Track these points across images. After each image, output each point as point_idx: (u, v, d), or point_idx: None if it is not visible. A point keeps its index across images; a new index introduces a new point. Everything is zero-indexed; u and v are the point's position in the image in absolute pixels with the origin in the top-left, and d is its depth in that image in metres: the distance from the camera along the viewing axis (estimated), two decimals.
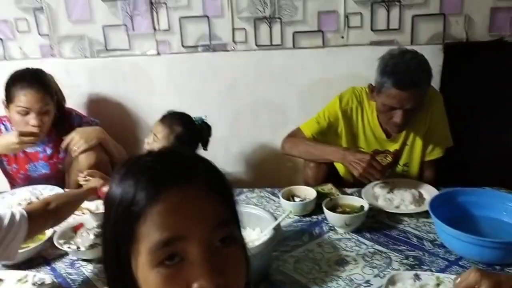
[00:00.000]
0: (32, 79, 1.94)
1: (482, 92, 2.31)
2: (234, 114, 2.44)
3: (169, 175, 0.64)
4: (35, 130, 1.92)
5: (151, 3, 2.27)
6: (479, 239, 1.33)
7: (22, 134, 1.89)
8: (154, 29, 2.32)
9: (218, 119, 2.42)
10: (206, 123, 1.99)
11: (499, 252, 1.32)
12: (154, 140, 1.90)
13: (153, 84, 2.42)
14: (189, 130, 1.91)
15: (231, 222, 0.68)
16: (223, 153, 2.43)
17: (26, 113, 1.92)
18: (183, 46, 2.32)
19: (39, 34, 2.39)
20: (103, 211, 0.69)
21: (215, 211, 0.65)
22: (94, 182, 1.63)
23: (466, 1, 2.11)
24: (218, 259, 0.63)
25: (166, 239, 0.62)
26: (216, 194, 0.66)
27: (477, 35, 2.15)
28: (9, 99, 1.94)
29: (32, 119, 1.92)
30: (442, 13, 2.14)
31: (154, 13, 2.29)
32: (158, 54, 2.36)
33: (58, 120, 2.07)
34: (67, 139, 2.01)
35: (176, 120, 1.91)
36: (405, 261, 1.42)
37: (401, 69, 1.70)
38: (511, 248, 1.29)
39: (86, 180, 1.67)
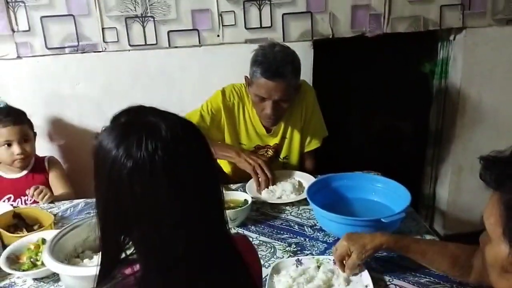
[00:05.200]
0: None
1: (349, 84, 2.49)
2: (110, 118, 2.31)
3: None
4: None
5: (7, 1, 2.06)
6: (350, 219, 1.42)
7: None
8: (13, 30, 2.10)
9: (93, 124, 2.29)
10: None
11: (370, 230, 1.40)
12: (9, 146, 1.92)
13: (16, 91, 2.19)
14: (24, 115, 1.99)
15: None
16: None
17: None
18: (47, 48, 2.14)
19: None
20: None
21: None
22: None
23: None
24: None
25: None
26: None
27: (342, 31, 2.31)
28: None
29: None
30: (309, 11, 2.25)
31: (11, 13, 2.08)
32: (19, 57, 2.15)
33: None
34: None
35: (12, 118, 1.92)
36: (288, 248, 1.46)
37: (269, 60, 1.76)
38: (380, 225, 1.39)
39: None
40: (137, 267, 0.78)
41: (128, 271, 0.78)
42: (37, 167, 2.02)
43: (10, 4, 2.06)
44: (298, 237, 1.52)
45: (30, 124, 2.00)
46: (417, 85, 2.66)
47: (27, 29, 2.11)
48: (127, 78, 2.26)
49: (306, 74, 2.22)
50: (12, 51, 2.13)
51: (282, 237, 1.52)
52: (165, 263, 0.75)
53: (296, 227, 1.58)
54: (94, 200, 1.71)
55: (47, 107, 2.23)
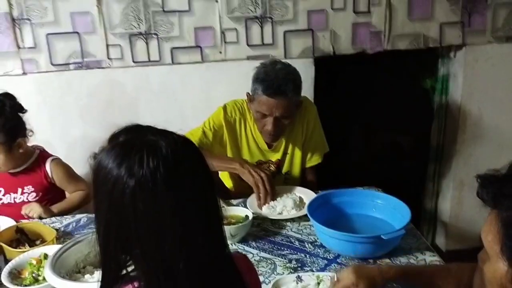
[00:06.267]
0: None
1: (350, 100, 2.51)
2: (108, 137, 2.33)
3: None
4: None
5: (13, 19, 2.10)
6: (351, 235, 1.42)
7: None
8: (18, 47, 2.14)
9: (97, 140, 2.31)
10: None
11: (370, 246, 1.42)
12: None
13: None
14: (0, 115, 1.76)
15: None
16: None
17: None
18: (52, 64, 2.18)
19: None
20: None
21: None
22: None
23: (330, 17, 2.28)
24: None
25: None
26: None
27: (342, 48, 2.34)
28: None
29: None
30: (310, 28, 2.29)
31: (17, 30, 2.12)
32: (24, 73, 2.18)
33: None
34: None
35: None
36: (288, 264, 1.46)
37: (271, 77, 1.79)
38: (380, 242, 1.40)
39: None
40: (136, 284, 0.79)
41: (128, 287, 0.79)
42: (37, 165, 1.91)
43: (16, 21, 2.11)
44: (298, 253, 1.52)
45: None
46: (418, 101, 2.68)
47: (33, 46, 2.15)
48: (130, 94, 2.29)
49: (308, 90, 2.24)
50: (17, 67, 2.17)
51: (283, 253, 1.53)
52: (166, 280, 0.76)
53: (297, 243, 1.58)
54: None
55: (52, 122, 2.25)
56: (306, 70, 2.27)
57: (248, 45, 2.27)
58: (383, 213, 1.63)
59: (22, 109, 1.84)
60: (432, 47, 2.43)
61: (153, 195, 0.74)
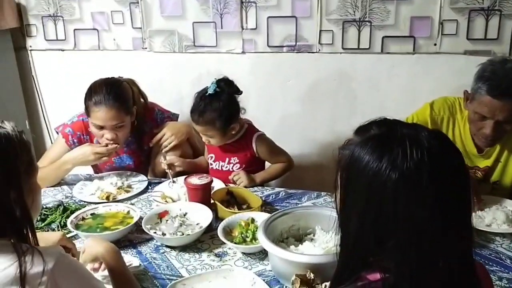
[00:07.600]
0: (107, 95, 1.90)
1: None
2: (312, 117, 2.42)
3: None
4: (110, 143, 1.94)
5: (242, 2, 2.31)
6: None
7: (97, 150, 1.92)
8: (242, 27, 2.35)
9: (296, 121, 2.43)
10: (219, 81, 1.92)
11: None
12: (208, 138, 1.97)
13: (235, 82, 2.44)
14: (219, 104, 1.89)
15: None
16: (299, 155, 2.42)
17: (101, 128, 1.93)
18: (268, 45, 2.35)
19: (133, 27, 2.50)
20: None
21: None
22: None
23: None
24: None
25: None
26: None
27: None
28: (87, 112, 1.96)
29: (106, 133, 1.93)
30: None
31: (243, 12, 2.33)
32: (243, 52, 2.39)
33: (140, 117, 2.10)
34: (158, 135, 2.09)
35: (203, 109, 1.89)
36: (498, 282, 1.34)
37: (498, 76, 1.62)
38: None
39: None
40: (381, 274, 0.79)
41: (371, 276, 0.80)
42: (244, 139, 2.03)
43: (244, 4, 2.31)
44: (510, 272, 1.38)
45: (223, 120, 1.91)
46: None
47: (254, 27, 2.34)
48: (334, 79, 2.33)
49: None
50: (238, 46, 2.39)
51: (491, 269, 1.40)
52: (420, 276, 0.75)
53: (508, 261, 1.43)
54: (294, 191, 1.76)
55: (259, 99, 2.43)
56: None
57: (467, 38, 2.10)
58: None
59: (238, 92, 1.98)
60: None
61: (417, 188, 0.73)
